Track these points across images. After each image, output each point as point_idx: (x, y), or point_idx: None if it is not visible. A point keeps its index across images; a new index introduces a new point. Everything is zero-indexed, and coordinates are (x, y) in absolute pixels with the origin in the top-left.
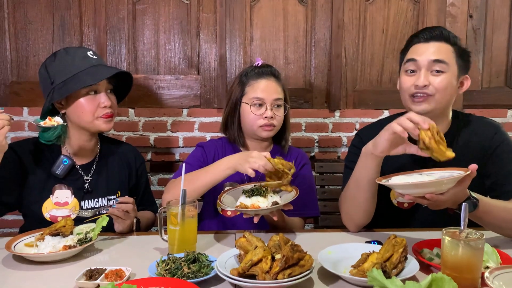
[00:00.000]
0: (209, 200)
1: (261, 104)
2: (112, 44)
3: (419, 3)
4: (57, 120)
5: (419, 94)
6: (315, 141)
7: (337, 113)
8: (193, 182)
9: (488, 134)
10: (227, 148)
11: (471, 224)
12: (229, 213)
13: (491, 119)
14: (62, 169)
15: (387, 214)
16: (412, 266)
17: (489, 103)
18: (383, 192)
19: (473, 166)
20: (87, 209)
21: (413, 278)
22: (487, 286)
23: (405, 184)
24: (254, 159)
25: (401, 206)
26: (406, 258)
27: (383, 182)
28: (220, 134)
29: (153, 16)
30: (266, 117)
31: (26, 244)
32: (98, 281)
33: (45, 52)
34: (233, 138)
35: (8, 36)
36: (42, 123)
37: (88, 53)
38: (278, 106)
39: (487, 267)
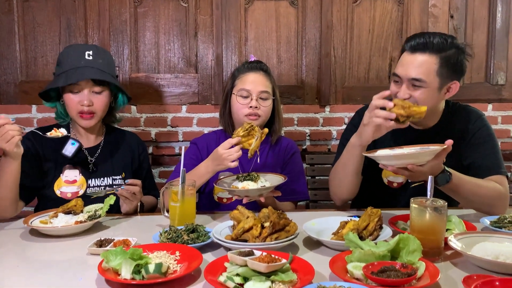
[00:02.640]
0: (205, 191)
1: (247, 95)
2: (115, 45)
3: (403, 5)
4: (61, 131)
5: None
6: (307, 134)
7: (327, 109)
8: None
9: (470, 120)
10: (222, 139)
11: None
12: (224, 200)
13: (474, 108)
14: (70, 151)
15: (378, 193)
16: (386, 233)
17: (470, 98)
18: (375, 172)
19: (449, 142)
20: (94, 186)
21: None
22: (451, 249)
23: (388, 155)
24: (226, 154)
25: (391, 185)
26: (381, 227)
27: (369, 155)
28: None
29: (153, 18)
30: (251, 106)
31: (41, 221)
32: (107, 248)
33: (52, 53)
34: (225, 127)
35: (17, 38)
36: (48, 134)
37: (86, 52)
38: (265, 98)
39: None
